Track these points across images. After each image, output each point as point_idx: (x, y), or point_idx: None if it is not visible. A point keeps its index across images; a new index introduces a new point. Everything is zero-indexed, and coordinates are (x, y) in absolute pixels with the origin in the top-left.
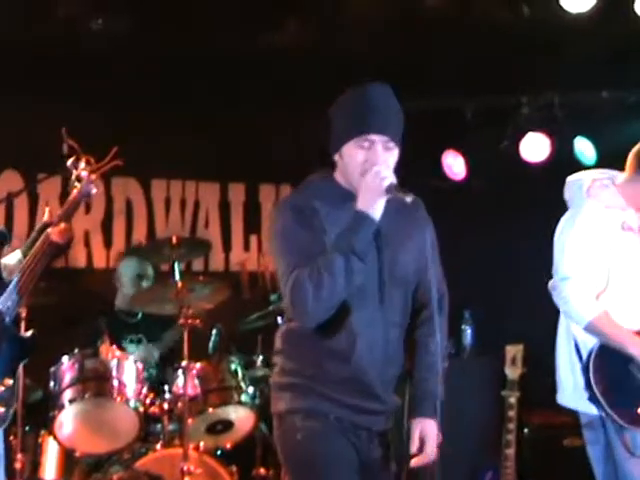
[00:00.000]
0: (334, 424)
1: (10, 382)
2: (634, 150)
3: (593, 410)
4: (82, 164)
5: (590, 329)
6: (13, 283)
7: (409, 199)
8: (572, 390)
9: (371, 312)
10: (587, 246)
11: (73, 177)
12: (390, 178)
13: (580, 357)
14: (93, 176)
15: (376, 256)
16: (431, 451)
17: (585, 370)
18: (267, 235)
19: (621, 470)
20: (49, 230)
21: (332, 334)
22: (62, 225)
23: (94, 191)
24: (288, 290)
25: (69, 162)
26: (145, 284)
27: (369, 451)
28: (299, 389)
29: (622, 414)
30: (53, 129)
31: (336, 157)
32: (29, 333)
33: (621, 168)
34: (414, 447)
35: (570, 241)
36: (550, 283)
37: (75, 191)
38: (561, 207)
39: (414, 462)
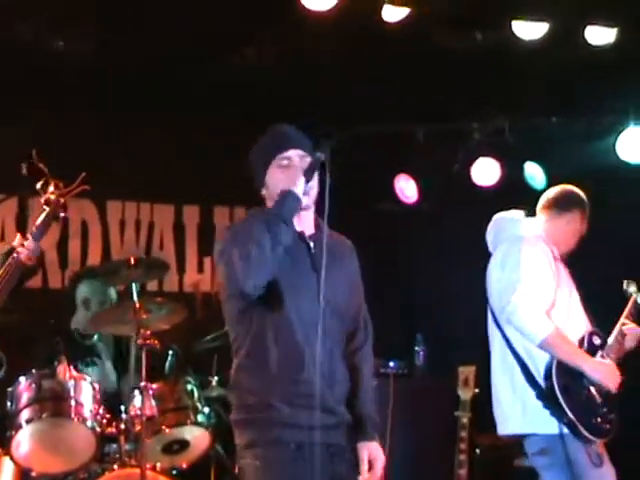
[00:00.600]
0: (294, 452)
1: None
2: (548, 194)
3: (551, 429)
4: (51, 188)
5: (544, 345)
6: None
7: (319, 155)
8: (521, 415)
9: (314, 333)
10: (537, 269)
11: (42, 200)
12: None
13: (531, 380)
14: (62, 200)
15: (315, 280)
16: (379, 473)
17: (548, 387)
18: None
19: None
20: (19, 250)
21: (280, 355)
22: (31, 246)
23: (62, 214)
24: (221, 271)
25: (38, 185)
26: (104, 306)
27: (333, 468)
28: (257, 422)
29: (585, 425)
30: (8, 151)
31: (263, 191)
32: None
33: None
34: (363, 470)
35: (523, 266)
36: (499, 308)
37: (44, 214)
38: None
39: None
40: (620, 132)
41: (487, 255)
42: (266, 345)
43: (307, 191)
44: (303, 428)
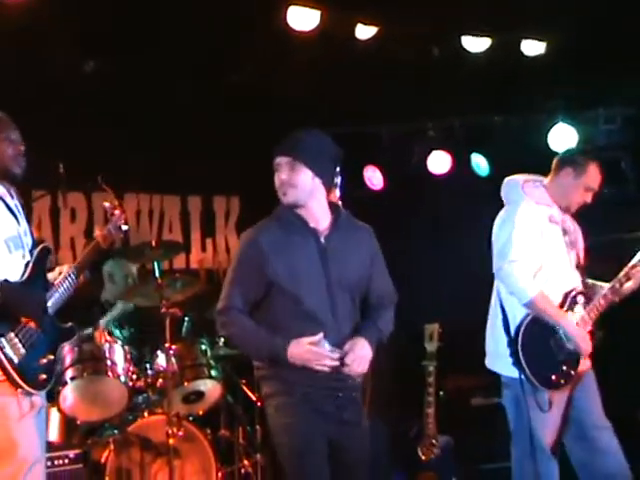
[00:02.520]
0: (301, 398)
1: (51, 357)
2: (558, 156)
3: (512, 372)
4: (117, 211)
5: (530, 305)
6: (61, 282)
7: None
8: (494, 354)
9: (321, 308)
10: (528, 235)
11: (108, 214)
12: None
13: (506, 329)
14: (118, 213)
15: (322, 272)
16: (359, 361)
17: (514, 339)
18: None
19: (533, 424)
20: (97, 236)
21: (289, 327)
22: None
23: (125, 228)
24: (217, 317)
25: (106, 204)
26: (127, 280)
27: (341, 412)
28: (269, 377)
29: (538, 378)
30: (46, 154)
31: None
32: (69, 324)
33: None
34: (346, 352)
35: (515, 231)
36: (496, 266)
37: (113, 223)
38: (461, 209)
39: (348, 368)
40: (551, 127)
41: (440, 230)
42: (275, 321)
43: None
44: (309, 385)
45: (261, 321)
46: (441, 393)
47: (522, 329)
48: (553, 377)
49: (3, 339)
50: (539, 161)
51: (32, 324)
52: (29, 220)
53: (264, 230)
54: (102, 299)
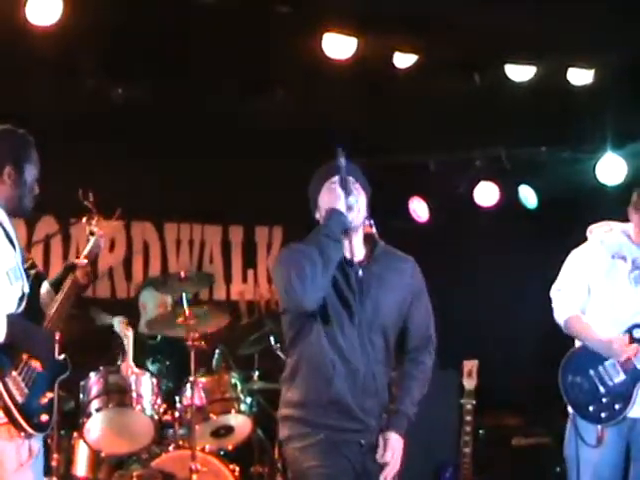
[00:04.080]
0: (325, 440)
1: (51, 395)
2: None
3: None
4: (94, 222)
5: (567, 328)
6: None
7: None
8: None
9: (353, 347)
10: (574, 269)
11: (87, 232)
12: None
13: None
14: (102, 232)
15: (359, 303)
16: (389, 459)
17: (559, 379)
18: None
19: (576, 456)
20: (76, 273)
21: (318, 365)
22: (86, 268)
23: (102, 245)
24: (280, 289)
25: (84, 219)
26: (165, 309)
27: (363, 462)
28: (293, 419)
29: (578, 409)
30: (81, 181)
31: (317, 215)
32: (62, 357)
33: (558, 211)
34: (380, 456)
35: (565, 265)
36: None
37: (90, 245)
38: (507, 243)
39: (384, 474)
40: (599, 158)
41: (484, 264)
42: (306, 356)
43: (350, 205)
44: (332, 428)
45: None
46: (480, 432)
47: (566, 359)
48: (590, 409)
49: (8, 378)
50: (587, 194)
51: (34, 362)
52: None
53: None
54: (139, 331)
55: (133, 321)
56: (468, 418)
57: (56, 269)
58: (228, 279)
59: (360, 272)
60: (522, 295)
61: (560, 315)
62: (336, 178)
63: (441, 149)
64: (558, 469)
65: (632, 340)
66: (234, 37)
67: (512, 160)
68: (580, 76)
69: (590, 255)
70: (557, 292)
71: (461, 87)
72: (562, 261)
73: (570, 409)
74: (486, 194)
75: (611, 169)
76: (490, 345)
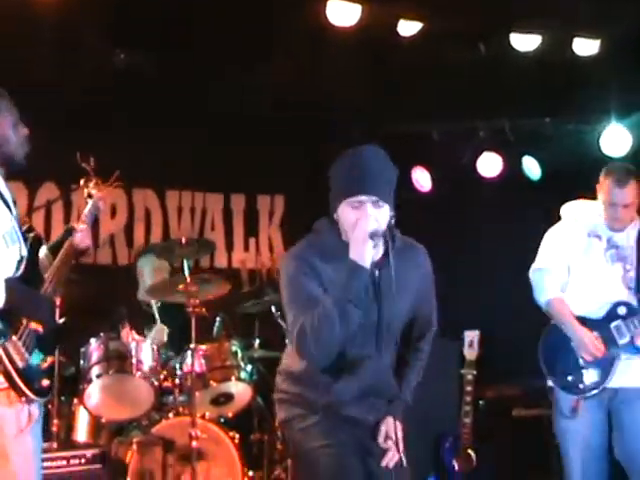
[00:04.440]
0: (327, 419)
1: (52, 360)
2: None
3: None
4: (91, 184)
5: (547, 309)
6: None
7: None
8: None
9: (366, 355)
10: (553, 248)
11: (85, 194)
12: (374, 226)
13: None
14: (100, 194)
15: (375, 308)
16: (398, 447)
17: (539, 349)
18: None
19: (557, 427)
20: (74, 236)
21: (320, 375)
22: (84, 229)
23: (102, 207)
24: (294, 339)
25: (82, 181)
26: (162, 276)
27: (367, 442)
28: (291, 401)
29: (556, 379)
30: (83, 148)
31: (335, 216)
32: (62, 321)
33: (561, 182)
34: (381, 441)
35: (543, 244)
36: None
37: (88, 206)
38: (511, 213)
39: (386, 459)
40: (603, 130)
41: (487, 235)
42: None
43: (375, 234)
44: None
45: None
46: (481, 402)
47: (547, 331)
48: (569, 378)
49: (8, 343)
50: (591, 165)
51: (35, 326)
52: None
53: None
54: (138, 298)
55: (133, 288)
56: (469, 388)
57: (57, 235)
58: (230, 247)
59: (377, 273)
60: (524, 266)
61: (542, 295)
62: (363, 199)
63: (445, 119)
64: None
65: (616, 317)
66: (238, 5)
67: (516, 131)
68: (585, 46)
69: (568, 234)
70: (537, 272)
71: (466, 56)
72: None
73: (549, 382)
74: (489, 165)
75: (615, 140)
76: (492, 315)
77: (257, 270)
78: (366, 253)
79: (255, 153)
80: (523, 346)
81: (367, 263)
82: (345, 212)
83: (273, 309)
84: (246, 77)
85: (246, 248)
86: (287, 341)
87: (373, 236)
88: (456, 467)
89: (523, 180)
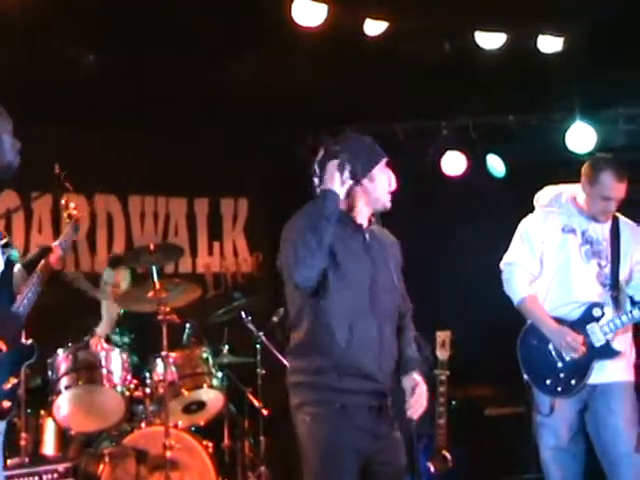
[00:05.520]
0: (339, 410)
1: (15, 381)
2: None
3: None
4: (72, 204)
5: (520, 307)
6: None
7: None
8: None
9: (365, 311)
10: (525, 241)
11: (65, 215)
12: None
13: None
14: (80, 215)
15: (370, 266)
16: (420, 397)
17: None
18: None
19: (534, 425)
20: (49, 258)
21: (334, 330)
22: (60, 252)
23: (78, 230)
24: (282, 260)
25: (62, 201)
26: (124, 287)
27: (376, 426)
28: (307, 385)
29: (534, 380)
30: (42, 153)
31: (364, 181)
32: (29, 342)
33: (526, 179)
34: (409, 397)
35: (516, 237)
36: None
37: (68, 230)
38: (476, 211)
39: (413, 411)
40: (568, 127)
41: (453, 234)
42: (321, 323)
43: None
44: (347, 392)
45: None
46: (453, 403)
47: (524, 332)
48: (547, 382)
49: None
50: (556, 162)
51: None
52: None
53: None
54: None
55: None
56: (442, 389)
57: (17, 245)
58: (194, 252)
59: (367, 236)
60: (492, 264)
61: (513, 291)
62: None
63: (410, 117)
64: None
65: (591, 319)
66: (207, 3)
67: (480, 129)
68: (550, 44)
69: (541, 228)
70: (508, 265)
71: (431, 55)
72: None
73: (526, 380)
74: (454, 163)
75: (580, 137)
76: (462, 315)
77: (222, 274)
78: (336, 182)
79: (218, 157)
80: (492, 346)
81: (335, 186)
82: (381, 174)
83: (243, 314)
84: (213, 77)
85: (210, 252)
86: (290, 319)
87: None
88: (431, 469)
89: (488, 178)
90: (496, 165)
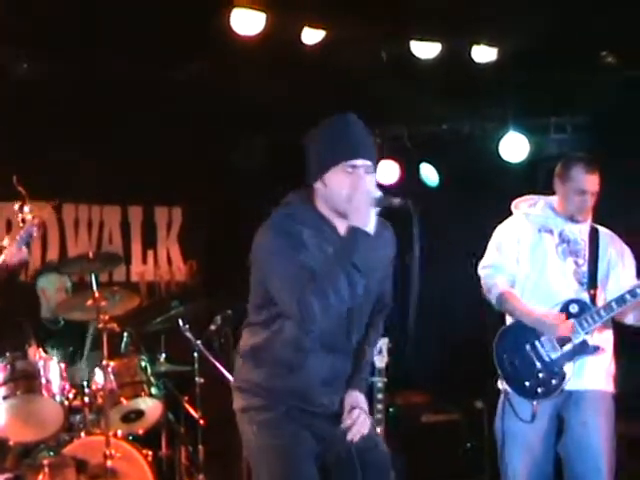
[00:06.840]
0: (285, 413)
1: None
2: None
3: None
4: (26, 209)
5: (500, 303)
6: None
7: (397, 201)
8: None
9: (335, 341)
10: (501, 244)
11: (19, 219)
12: (376, 193)
13: None
14: (34, 221)
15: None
16: (355, 415)
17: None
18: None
19: (504, 430)
20: (5, 251)
21: (290, 353)
22: (13, 249)
23: (35, 232)
24: (296, 309)
25: (16, 206)
26: (64, 295)
27: (325, 430)
28: (252, 390)
29: (513, 385)
30: None
31: (317, 184)
32: None
33: (461, 188)
34: (346, 414)
35: (491, 240)
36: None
37: (21, 231)
38: (408, 222)
39: (351, 435)
40: (502, 136)
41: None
42: (280, 339)
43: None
44: (293, 397)
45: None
46: (390, 410)
47: (499, 335)
48: (527, 384)
49: None
50: (490, 171)
51: None
52: None
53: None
54: (42, 317)
55: (33, 307)
56: (380, 396)
57: None
58: (128, 260)
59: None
60: (427, 273)
61: (492, 291)
62: (358, 163)
63: None
64: (469, 445)
65: (568, 316)
66: (152, 9)
67: (415, 138)
68: (484, 54)
69: (516, 229)
70: (486, 269)
71: (367, 64)
72: (466, 240)
73: (502, 385)
74: (387, 172)
75: (513, 147)
76: (399, 322)
77: (156, 283)
78: (371, 218)
79: (153, 164)
80: (430, 353)
81: (371, 229)
82: (337, 177)
83: (180, 323)
84: (155, 85)
85: (144, 261)
86: (249, 320)
87: (378, 202)
88: None
89: (421, 187)
90: (429, 174)
